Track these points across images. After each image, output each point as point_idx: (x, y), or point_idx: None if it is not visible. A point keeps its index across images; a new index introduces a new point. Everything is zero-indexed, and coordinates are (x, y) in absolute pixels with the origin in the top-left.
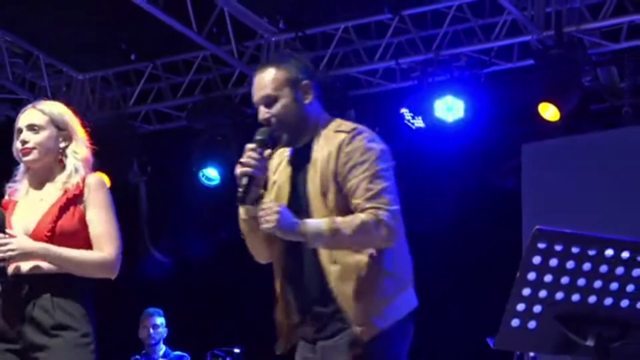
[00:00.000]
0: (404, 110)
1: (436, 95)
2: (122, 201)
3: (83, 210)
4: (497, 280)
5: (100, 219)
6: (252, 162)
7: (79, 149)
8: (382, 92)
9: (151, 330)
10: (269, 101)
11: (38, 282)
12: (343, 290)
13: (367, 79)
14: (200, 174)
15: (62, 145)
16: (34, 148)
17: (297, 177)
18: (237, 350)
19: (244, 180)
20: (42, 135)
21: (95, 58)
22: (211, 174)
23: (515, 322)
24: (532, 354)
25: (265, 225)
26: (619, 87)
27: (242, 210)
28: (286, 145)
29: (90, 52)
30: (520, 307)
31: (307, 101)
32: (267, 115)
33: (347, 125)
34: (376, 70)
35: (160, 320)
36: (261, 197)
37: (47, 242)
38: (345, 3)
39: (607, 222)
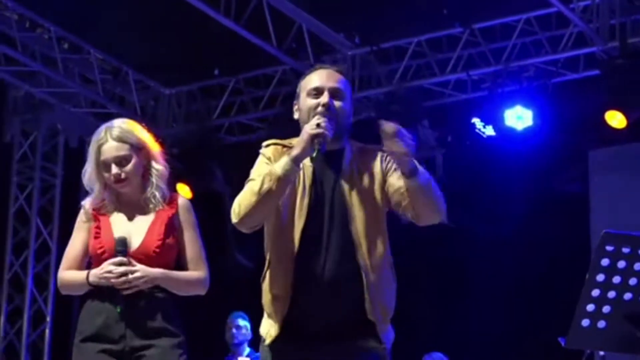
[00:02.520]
0: (475, 120)
1: (506, 105)
2: (207, 209)
3: (178, 230)
4: (565, 282)
5: (194, 241)
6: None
7: (157, 165)
8: (454, 102)
9: (234, 331)
10: (338, 96)
11: (146, 293)
12: (374, 294)
13: (439, 90)
14: None
15: (144, 164)
16: (127, 178)
17: (328, 175)
18: None
19: (317, 138)
20: (131, 164)
21: (180, 73)
22: None
23: (585, 322)
24: (601, 352)
25: (405, 147)
26: None
27: (286, 167)
28: (323, 141)
29: (176, 68)
30: (590, 307)
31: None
32: (331, 105)
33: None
34: (448, 82)
35: (243, 322)
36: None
37: (154, 257)
38: (417, 18)
39: None
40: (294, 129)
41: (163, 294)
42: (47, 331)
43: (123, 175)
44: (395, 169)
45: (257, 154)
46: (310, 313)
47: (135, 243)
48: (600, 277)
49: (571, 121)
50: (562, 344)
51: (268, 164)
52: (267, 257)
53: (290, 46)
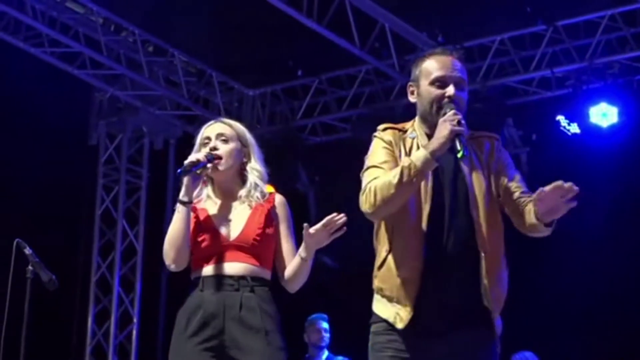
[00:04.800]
0: (559, 117)
1: (591, 102)
2: (291, 209)
3: (276, 223)
4: None
5: (290, 236)
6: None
7: (257, 166)
8: (538, 100)
9: (323, 334)
10: (460, 85)
11: (246, 283)
12: (491, 279)
13: (523, 88)
14: None
15: (243, 160)
16: (221, 157)
17: (448, 160)
18: None
19: (458, 136)
20: (230, 146)
21: (264, 75)
22: None
23: None
24: None
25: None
26: None
27: (427, 161)
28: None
29: (260, 69)
30: None
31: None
32: (456, 97)
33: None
34: (532, 80)
35: (327, 325)
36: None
37: (255, 245)
38: (500, 16)
39: None
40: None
41: (261, 287)
42: (134, 332)
43: (219, 152)
44: (507, 166)
45: (341, 153)
46: (438, 296)
47: (234, 231)
48: None
49: None
50: None
51: (387, 148)
52: (386, 245)
53: (373, 46)
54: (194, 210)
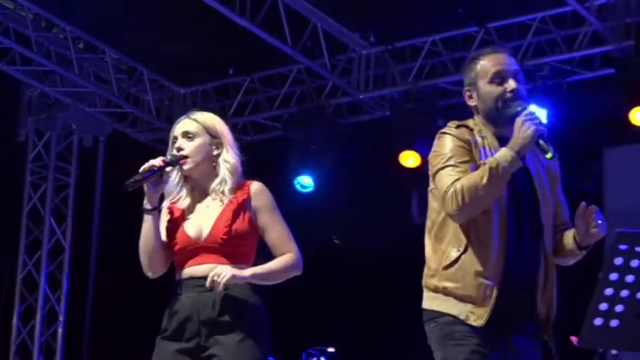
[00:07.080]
0: None
1: None
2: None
3: (251, 215)
4: (578, 280)
5: (275, 222)
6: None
7: (229, 158)
8: None
9: None
10: (519, 77)
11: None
12: (551, 281)
13: (454, 89)
14: (296, 182)
15: (215, 152)
16: (188, 156)
17: None
18: (331, 350)
19: (542, 136)
20: (196, 142)
21: (195, 73)
22: (306, 182)
23: (598, 321)
24: (614, 351)
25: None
26: None
27: (514, 163)
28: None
29: (191, 67)
30: (603, 306)
31: None
32: (519, 90)
33: None
34: (463, 81)
35: None
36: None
37: (223, 244)
38: (432, 17)
39: None
40: (308, 128)
41: (235, 283)
42: (59, 330)
43: (185, 151)
44: (558, 179)
45: (272, 152)
46: (515, 296)
47: (204, 232)
48: (613, 276)
49: (586, 120)
50: (575, 343)
51: (464, 147)
52: (459, 245)
53: (305, 45)
54: (171, 211)
